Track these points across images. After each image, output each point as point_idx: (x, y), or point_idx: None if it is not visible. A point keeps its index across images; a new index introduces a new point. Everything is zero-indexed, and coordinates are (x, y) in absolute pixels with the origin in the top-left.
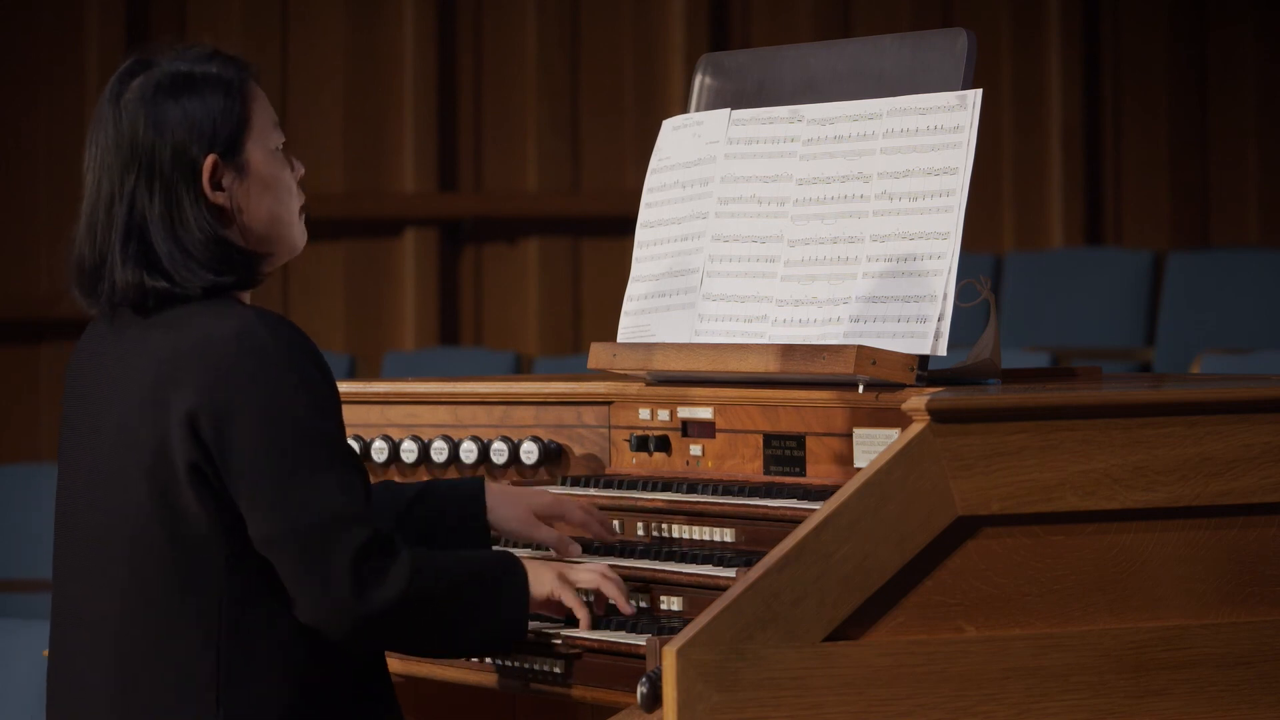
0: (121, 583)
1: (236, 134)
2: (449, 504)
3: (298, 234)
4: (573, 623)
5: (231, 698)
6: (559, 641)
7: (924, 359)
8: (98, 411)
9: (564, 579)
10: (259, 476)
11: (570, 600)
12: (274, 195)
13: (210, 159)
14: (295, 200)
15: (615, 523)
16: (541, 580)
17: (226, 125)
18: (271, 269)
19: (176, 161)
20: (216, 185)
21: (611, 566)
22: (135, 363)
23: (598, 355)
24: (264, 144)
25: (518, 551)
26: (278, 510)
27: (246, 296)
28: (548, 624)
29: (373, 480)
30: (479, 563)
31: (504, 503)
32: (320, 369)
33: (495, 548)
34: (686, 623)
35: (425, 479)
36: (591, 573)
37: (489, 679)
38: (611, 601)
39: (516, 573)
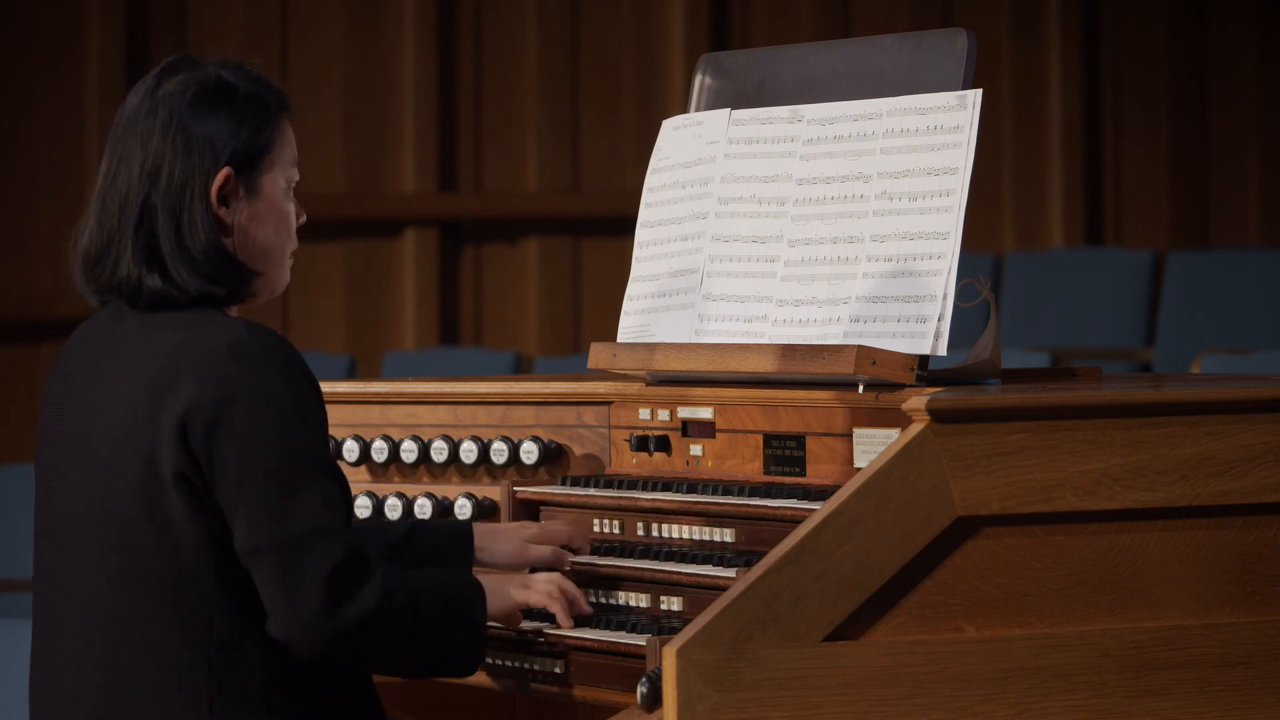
0: (110, 591)
1: (258, 156)
2: (436, 544)
3: (283, 274)
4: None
5: (223, 707)
6: (551, 638)
7: (924, 359)
8: (84, 420)
9: (525, 589)
10: (244, 487)
11: (540, 602)
12: (274, 227)
13: (224, 171)
14: (291, 241)
15: (615, 522)
16: (503, 597)
17: (251, 145)
18: (255, 297)
19: (196, 166)
20: (223, 200)
21: (611, 566)
22: (128, 374)
23: (598, 355)
24: (280, 176)
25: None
26: (259, 521)
27: (234, 311)
28: (546, 624)
29: (377, 485)
30: (446, 584)
31: (494, 540)
32: (308, 381)
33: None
34: (686, 623)
35: (407, 520)
36: (541, 592)
37: (489, 679)
38: (554, 612)
39: (477, 596)
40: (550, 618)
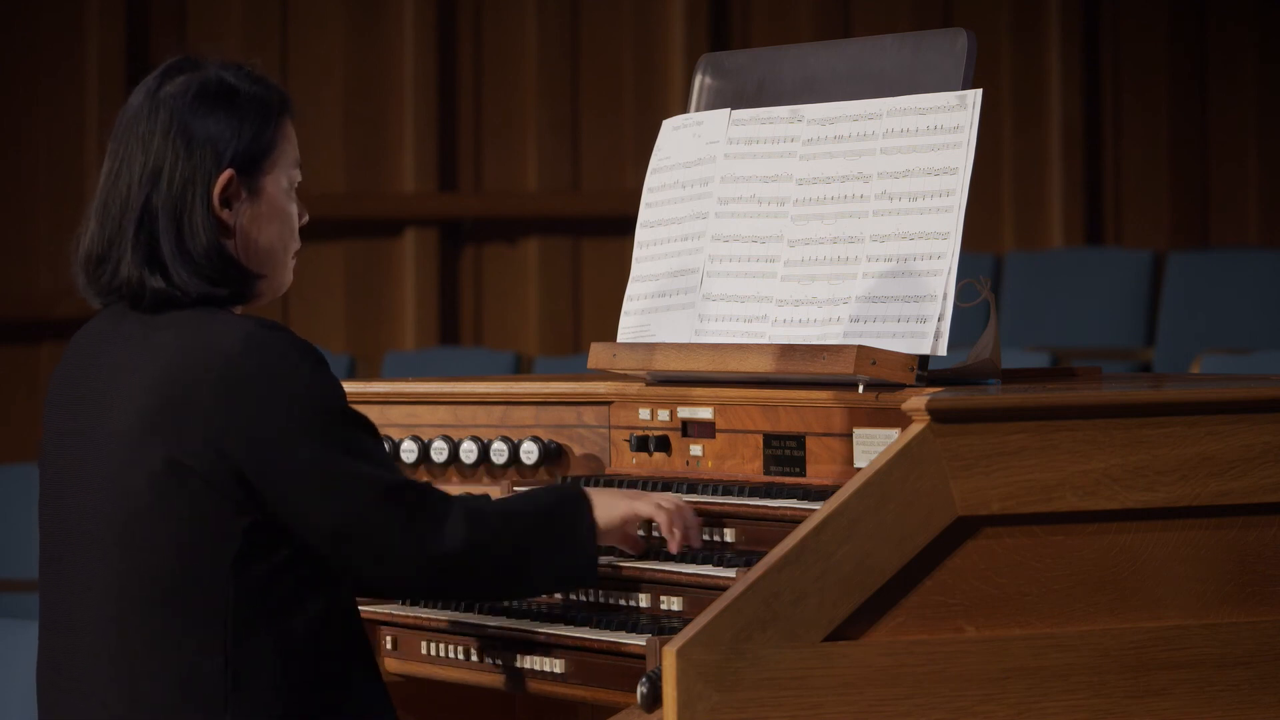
0: (121, 588)
1: (260, 157)
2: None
3: (286, 274)
4: (570, 621)
5: (239, 701)
6: (552, 638)
7: (924, 359)
8: (94, 420)
9: (635, 499)
10: (304, 483)
11: (648, 511)
12: (277, 228)
13: (227, 173)
14: (294, 241)
15: None
16: (612, 507)
17: (253, 146)
18: (258, 298)
19: (198, 167)
20: (225, 202)
21: (612, 566)
22: (137, 374)
23: (598, 355)
24: (282, 177)
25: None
26: (330, 508)
27: (237, 311)
28: (546, 623)
29: None
30: (544, 499)
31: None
32: (321, 360)
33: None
34: (686, 623)
35: (426, 479)
36: (653, 503)
37: (489, 679)
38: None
39: (582, 504)
40: (556, 617)
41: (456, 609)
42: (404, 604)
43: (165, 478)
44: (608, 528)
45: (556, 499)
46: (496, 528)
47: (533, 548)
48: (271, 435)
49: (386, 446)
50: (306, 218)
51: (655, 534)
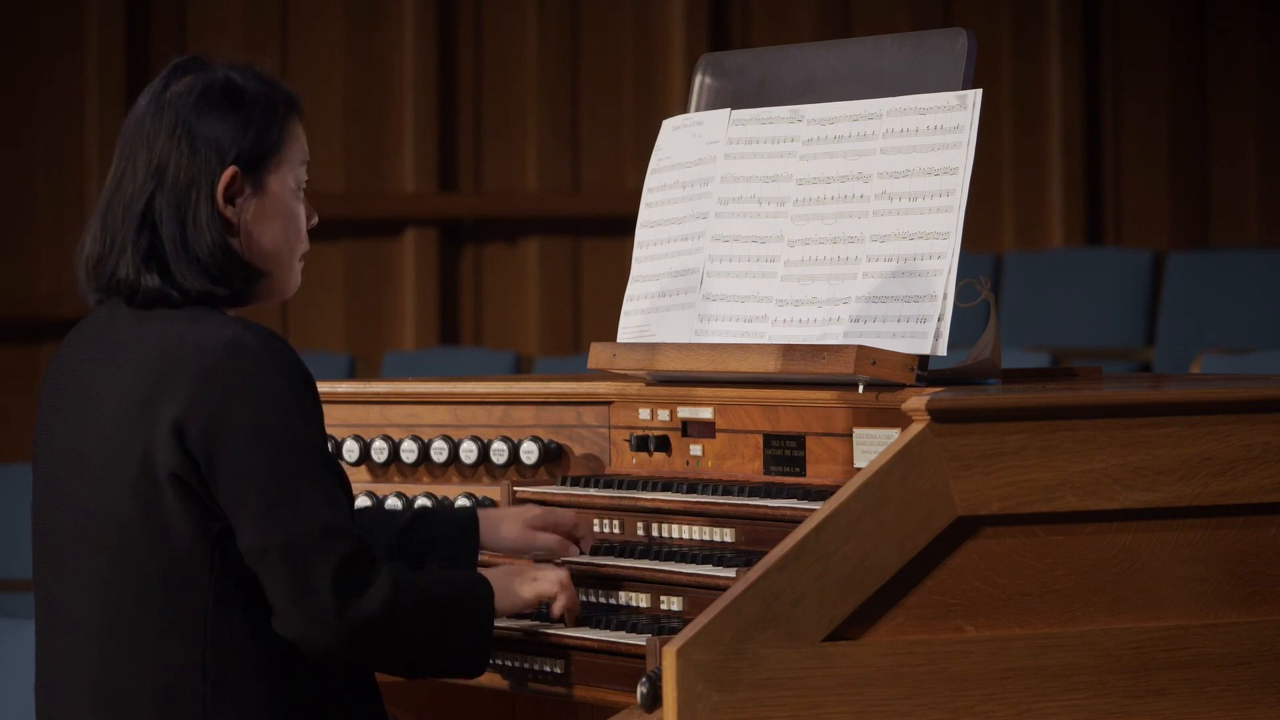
0: (106, 589)
1: (265, 155)
2: (442, 531)
3: (293, 276)
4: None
5: (217, 705)
6: (552, 638)
7: (924, 359)
8: (80, 419)
9: (534, 581)
10: (247, 488)
11: (551, 590)
12: (281, 227)
13: (231, 170)
14: (301, 243)
15: (615, 522)
16: (515, 594)
17: (259, 145)
18: (262, 298)
19: (202, 166)
20: (229, 199)
21: (611, 566)
22: (123, 371)
23: (598, 355)
24: (288, 176)
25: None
26: (265, 522)
27: (236, 313)
28: (545, 624)
29: (377, 485)
30: (454, 585)
31: (498, 526)
32: (306, 380)
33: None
34: (686, 623)
35: (415, 503)
36: (552, 581)
37: (489, 679)
38: (560, 611)
39: (485, 596)
40: (547, 616)
41: None
42: None
43: (141, 480)
44: (512, 613)
45: (464, 589)
46: (413, 604)
47: (437, 633)
48: (225, 438)
49: (386, 447)
50: (316, 219)
51: (655, 535)
